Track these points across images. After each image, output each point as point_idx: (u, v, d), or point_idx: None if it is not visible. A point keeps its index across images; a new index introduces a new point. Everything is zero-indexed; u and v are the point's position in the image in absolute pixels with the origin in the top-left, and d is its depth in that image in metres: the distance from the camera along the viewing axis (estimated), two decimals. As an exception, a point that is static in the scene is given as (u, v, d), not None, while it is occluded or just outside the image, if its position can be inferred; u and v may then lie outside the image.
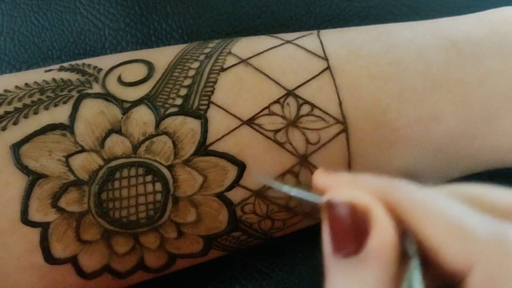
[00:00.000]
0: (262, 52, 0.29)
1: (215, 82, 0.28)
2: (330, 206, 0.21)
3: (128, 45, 0.39)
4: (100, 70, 0.29)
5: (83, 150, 0.26)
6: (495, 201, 0.21)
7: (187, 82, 0.28)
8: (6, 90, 0.28)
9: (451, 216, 0.20)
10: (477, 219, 0.20)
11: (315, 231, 0.23)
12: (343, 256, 0.20)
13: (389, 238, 0.20)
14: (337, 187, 0.22)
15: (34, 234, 0.26)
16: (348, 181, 0.22)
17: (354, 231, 0.20)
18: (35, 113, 0.27)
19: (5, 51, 0.39)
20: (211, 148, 0.27)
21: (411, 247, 0.20)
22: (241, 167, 0.27)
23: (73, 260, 0.27)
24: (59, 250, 0.26)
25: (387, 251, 0.20)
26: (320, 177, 0.23)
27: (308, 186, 0.25)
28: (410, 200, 0.20)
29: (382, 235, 0.20)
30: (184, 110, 0.27)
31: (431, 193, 0.21)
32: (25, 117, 0.27)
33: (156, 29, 0.39)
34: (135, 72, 0.28)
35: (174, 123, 0.27)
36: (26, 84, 0.28)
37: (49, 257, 0.26)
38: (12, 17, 0.39)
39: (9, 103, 0.27)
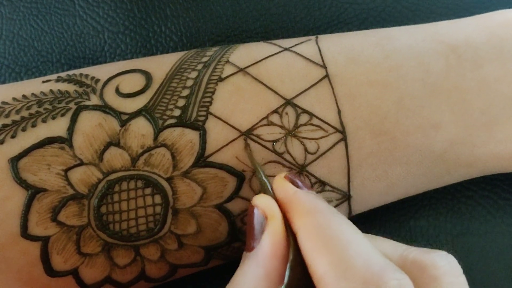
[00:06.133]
0: (260, 61, 0.29)
1: (213, 93, 0.28)
2: (250, 207, 0.25)
3: (128, 48, 0.39)
4: (97, 80, 0.29)
5: (81, 163, 0.26)
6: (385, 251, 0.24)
7: (185, 92, 0.28)
8: (3, 102, 0.27)
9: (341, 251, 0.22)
10: (372, 256, 0.22)
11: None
12: (247, 251, 0.24)
13: (275, 242, 0.23)
14: (278, 191, 0.25)
15: (34, 248, 0.26)
16: (288, 192, 0.25)
17: (254, 231, 0.24)
18: (33, 126, 0.27)
19: (4, 55, 0.39)
20: (210, 159, 0.27)
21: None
22: (240, 178, 0.27)
23: (74, 273, 0.27)
24: (59, 263, 0.26)
25: (270, 252, 0.23)
26: (276, 179, 0.26)
27: None
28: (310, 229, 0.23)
29: (269, 239, 0.23)
30: (182, 122, 0.27)
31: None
32: (23, 130, 0.26)
33: (156, 32, 0.39)
34: (133, 82, 0.28)
35: (173, 135, 0.27)
36: (24, 96, 0.28)
37: (49, 270, 0.26)
38: (12, 21, 0.39)
39: (7, 116, 0.27)
